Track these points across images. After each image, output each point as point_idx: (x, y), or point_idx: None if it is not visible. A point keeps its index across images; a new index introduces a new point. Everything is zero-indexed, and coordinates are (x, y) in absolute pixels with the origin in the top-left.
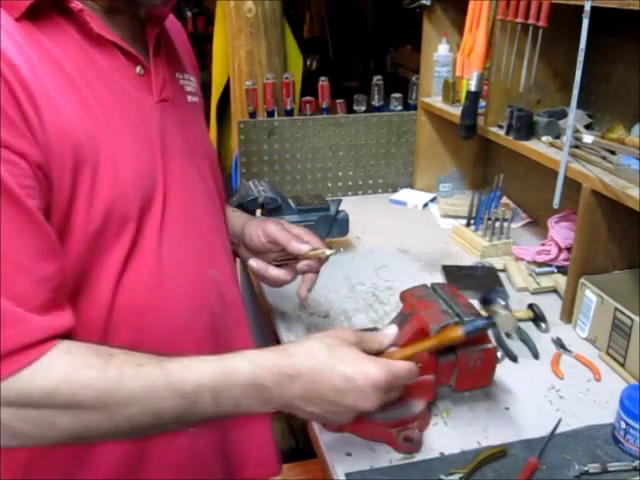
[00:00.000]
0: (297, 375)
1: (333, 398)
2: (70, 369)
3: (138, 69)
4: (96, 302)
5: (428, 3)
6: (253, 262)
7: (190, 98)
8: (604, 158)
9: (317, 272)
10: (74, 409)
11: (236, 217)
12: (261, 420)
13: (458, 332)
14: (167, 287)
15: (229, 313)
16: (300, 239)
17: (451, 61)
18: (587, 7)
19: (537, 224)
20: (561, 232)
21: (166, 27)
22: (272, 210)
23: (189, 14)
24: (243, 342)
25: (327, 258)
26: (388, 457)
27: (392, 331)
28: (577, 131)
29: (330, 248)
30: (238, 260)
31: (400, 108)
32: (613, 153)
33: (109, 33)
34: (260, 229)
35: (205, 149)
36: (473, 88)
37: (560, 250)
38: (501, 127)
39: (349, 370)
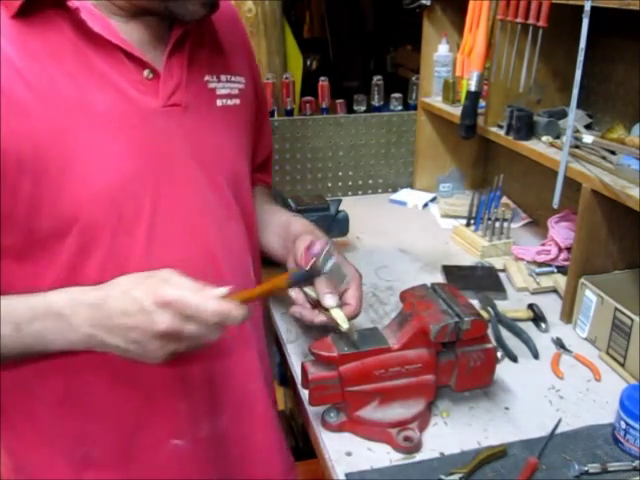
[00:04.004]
0: (95, 304)
1: (123, 321)
2: None
3: (146, 73)
4: None
5: (428, 3)
6: (292, 292)
7: (222, 102)
8: (604, 158)
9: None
10: None
11: (298, 226)
12: (266, 423)
13: (283, 281)
14: None
15: (229, 331)
16: (333, 291)
17: (451, 61)
18: (587, 7)
19: (537, 224)
20: (561, 232)
21: (214, 25)
22: None
23: None
24: (247, 362)
25: None
26: (388, 457)
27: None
28: (577, 131)
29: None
30: None
31: (400, 108)
32: (613, 153)
33: (113, 34)
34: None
35: (223, 159)
36: (473, 88)
37: (560, 250)
38: (501, 127)
39: (139, 292)
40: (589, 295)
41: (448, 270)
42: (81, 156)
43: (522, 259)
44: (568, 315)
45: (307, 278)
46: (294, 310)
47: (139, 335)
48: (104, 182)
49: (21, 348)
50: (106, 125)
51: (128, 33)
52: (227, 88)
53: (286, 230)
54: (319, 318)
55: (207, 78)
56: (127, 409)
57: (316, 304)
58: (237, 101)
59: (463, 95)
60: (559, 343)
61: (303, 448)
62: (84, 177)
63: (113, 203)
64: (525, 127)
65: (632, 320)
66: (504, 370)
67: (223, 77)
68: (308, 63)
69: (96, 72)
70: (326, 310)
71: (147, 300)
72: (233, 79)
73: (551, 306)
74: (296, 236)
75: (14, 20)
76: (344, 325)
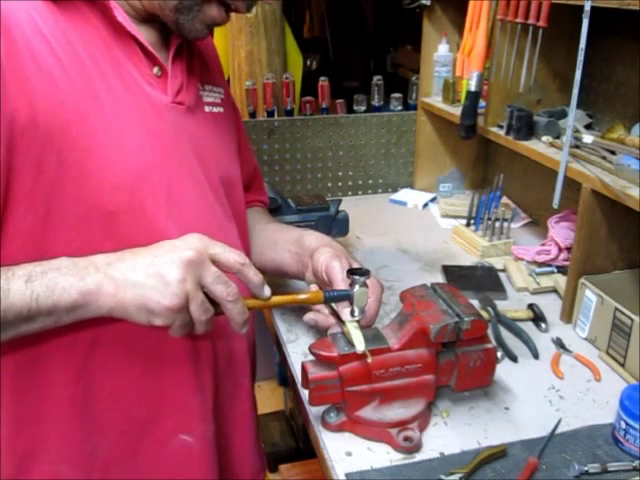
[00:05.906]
0: (114, 254)
1: (149, 252)
2: None
3: (155, 70)
4: None
5: (428, 3)
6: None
7: (209, 109)
8: (604, 158)
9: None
10: None
11: (312, 239)
12: (248, 426)
13: (320, 298)
14: None
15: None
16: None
17: (451, 61)
18: (587, 7)
19: (537, 224)
20: (561, 232)
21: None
22: (272, 210)
23: None
24: (241, 357)
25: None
26: (388, 457)
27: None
28: (577, 131)
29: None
30: None
31: (400, 108)
32: (613, 153)
33: (132, 27)
34: (324, 266)
35: (217, 161)
36: (473, 88)
37: (560, 250)
38: (501, 127)
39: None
40: (589, 295)
41: (448, 270)
42: (103, 140)
43: (522, 259)
44: (568, 315)
45: (342, 299)
46: (309, 317)
47: (162, 264)
48: (125, 169)
49: (29, 305)
50: (126, 114)
51: (140, 32)
52: (211, 97)
53: (300, 245)
54: (333, 330)
55: (198, 85)
56: (139, 400)
57: (333, 312)
58: (221, 109)
59: (463, 95)
60: (559, 343)
61: (303, 448)
62: (106, 161)
63: (135, 191)
64: (525, 127)
65: (632, 320)
66: (504, 370)
67: (207, 86)
68: (308, 63)
69: (118, 62)
70: (342, 322)
71: (179, 240)
72: (215, 89)
73: (551, 306)
74: (313, 250)
75: (44, 1)
76: (359, 347)
